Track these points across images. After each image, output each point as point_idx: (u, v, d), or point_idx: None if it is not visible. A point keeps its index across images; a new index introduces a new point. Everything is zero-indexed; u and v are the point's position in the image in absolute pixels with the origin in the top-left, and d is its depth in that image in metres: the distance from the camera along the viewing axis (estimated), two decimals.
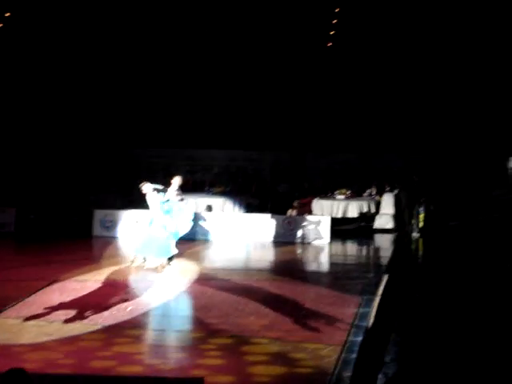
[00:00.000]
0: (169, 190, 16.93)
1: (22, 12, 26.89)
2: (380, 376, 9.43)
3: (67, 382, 7.42)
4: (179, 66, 27.33)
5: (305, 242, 20.69)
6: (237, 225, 21.04)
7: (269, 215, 21.75)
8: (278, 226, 20.99)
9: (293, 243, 20.65)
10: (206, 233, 20.95)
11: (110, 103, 26.92)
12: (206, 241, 20.73)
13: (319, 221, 21.21)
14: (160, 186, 16.85)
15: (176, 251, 16.91)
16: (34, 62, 27.23)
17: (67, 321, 12.03)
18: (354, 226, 22.89)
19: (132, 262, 16.88)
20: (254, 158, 26.42)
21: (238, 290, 14.58)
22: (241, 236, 20.86)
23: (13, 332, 11.42)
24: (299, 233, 20.88)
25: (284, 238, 20.80)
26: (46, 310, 12.67)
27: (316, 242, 20.64)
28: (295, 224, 21.02)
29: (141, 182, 17.06)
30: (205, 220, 21.07)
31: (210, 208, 22.79)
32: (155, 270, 16.48)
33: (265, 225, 21.06)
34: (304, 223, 21.05)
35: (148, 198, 16.79)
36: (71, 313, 12.55)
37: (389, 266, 17.25)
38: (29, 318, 12.15)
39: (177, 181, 17.20)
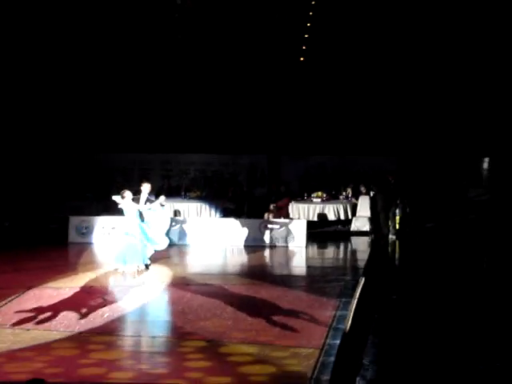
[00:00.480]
0: (140, 196, 16.91)
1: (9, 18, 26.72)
2: (358, 379, 9.43)
3: None
4: (154, 72, 27.24)
5: (281, 246, 20.69)
6: (213, 229, 21.01)
7: (245, 219, 21.75)
8: (254, 229, 20.97)
9: (270, 247, 20.65)
10: (182, 238, 20.91)
11: (85, 108, 26.78)
12: (182, 246, 20.68)
13: (295, 224, 21.22)
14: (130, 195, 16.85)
15: (150, 255, 17.01)
16: (16, 66, 27.05)
17: (43, 328, 11.94)
18: (330, 228, 22.91)
19: (118, 271, 16.78)
20: (229, 162, 26.39)
21: (215, 295, 14.53)
22: (218, 241, 20.83)
23: None
24: (276, 236, 20.87)
25: (261, 242, 20.80)
26: (21, 318, 12.57)
27: (293, 246, 20.64)
28: (272, 228, 21.01)
29: (121, 189, 17.04)
30: (181, 225, 21.02)
31: (177, 213, 22.75)
32: (132, 275, 16.45)
33: (241, 229, 21.04)
34: (280, 227, 21.04)
35: (124, 205, 16.75)
36: (47, 320, 12.46)
37: (366, 268, 17.28)
38: (4, 327, 12.04)
39: (146, 187, 17.12)
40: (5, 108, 26.47)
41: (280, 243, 20.79)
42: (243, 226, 21.13)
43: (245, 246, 20.76)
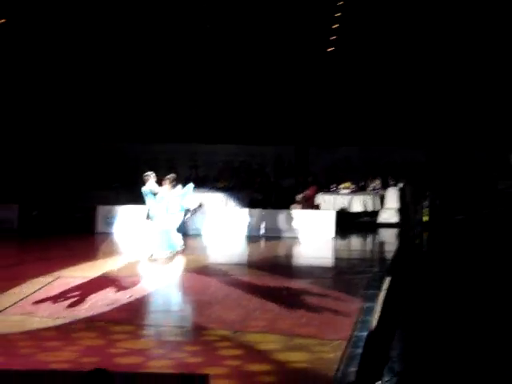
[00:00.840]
0: (163, 187, 17.24)
1: (19, 10, 26.85)
2: (386, 371, 9.35)
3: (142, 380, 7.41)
4: (182, 62, 27.25)
5: (309, 237, 20.61)
6: (240, 220, 20.97)
7: (272, 210, 21.70)
8: (281, 220, 20.92)
9: (297, 238, 20.59)
10: (207, 228, 20.91)
11: (113, 99, 26.84)
12: (208, 236, 20.68)
13: (324, 215, 21.16)
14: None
15: (180, 245, 17.19)
16: (35, 58, 27.17)
17: (70, 317, 11.98)
18: (358, 220, 22.80)
19: (151, 257, 17.04)
20: (257, 153, 26.33)
21: (241, 285, 14.51)
22: (244, 231, 20.80)
23: (18, 329, 11.34)
24: (303, 227, 20.80)
25: (288, 233, 20.74)
26: (49, 307, 12.63)
27: (320, 237, 20.56)
28: (299, 219, 20.94)
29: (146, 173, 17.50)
30: (208, 215, 21.02)
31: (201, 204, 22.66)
32: (164, 261, 16.55)
33: (268, 220, 20.99)
34: (308, 218, 20.97)
35: (160, 192, 17.12)
36: (74, 309, 12.51)
37: (394, 260, 17.17)
38: (32, 315, 12.09)
39: (169, 179, 17.46)
40: (32, 98, 26.61)
41: (307, 234, 20.71)
42: (270, 216, 21.08)
43: (272, 236, 20.71)
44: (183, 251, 17.63)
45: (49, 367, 9.38)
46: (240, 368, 9.67)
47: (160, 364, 9.80)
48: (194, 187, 18.40)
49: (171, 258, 17.10)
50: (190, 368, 9.59)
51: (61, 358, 9.94)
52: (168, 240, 17.23)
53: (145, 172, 17.94)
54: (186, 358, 10.05)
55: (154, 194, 17.22)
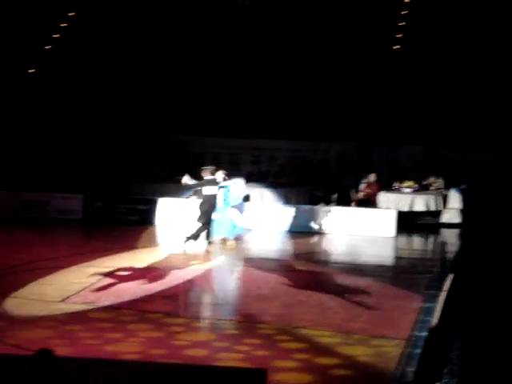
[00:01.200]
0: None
1: None
2: (445, 372, 9.27)
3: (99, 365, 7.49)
4: (247, 56, 27.33)
5: (370, 235, 20.52)
6: (301, 216, 20.95)
7: (334, 207, 21.65)
8: (342, 218, 20.87)
9: (357, 236, 20.51)
10: (265, 223, 20.95)
11: (180, 93, 27.03)
12: (265, 231, 20.70)
13: (385, 214, 21.05)
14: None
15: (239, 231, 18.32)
16: (99, 52, 27.60)
17: (131, 308, 12.11)
18: (420, 220, 22.58)
19: (224, 242, 18.06)
20: (319, 150, 26.23)
21: (301, 282, 14.53)
22: (305, 227, 20.78)
23: (78, 318, 11.52)
24: (364, 225, 20.72)
25: (349, 231, 20.68)
26: (111, 296, 12.81)
27: (381, 235, 20.45)
28: (360, 217, 20.86)
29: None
30: (265, 211, 21.08)
31: (247, 198, 22.70)
32: (217, 253, 17.03)
33: (330, 217, 20.95)
34: (369, 216, 20.88)
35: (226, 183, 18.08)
36: (137, 300, 12.64)
37: (455, 260, 16.96)
38: (93, 304, 12.28)
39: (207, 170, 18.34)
40: (103, 91, 26.95)
41: (368, 232, 20.62)
42: (332, 213, 21.04)
43: (333, 233, 20.67)
44: (238, 243, 17.93)
45: (122, 358, 9.49)
46: (309, 361, 9.72)
47: (228, 356, 9.87)
48: (256, 182, 18.80)
49: (228, 249, 17.36)
50: (259, 361, 9.65)
51: (131, 348, 10.04)
52: (225, 228, 18.13)
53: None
54: (251, 351, 10.12)
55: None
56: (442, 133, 25.06)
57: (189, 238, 17.61)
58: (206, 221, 17.85)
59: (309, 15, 27.65)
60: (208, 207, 17.83)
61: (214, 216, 17.93)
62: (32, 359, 6.44)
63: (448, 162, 24.73)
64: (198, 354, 9.96)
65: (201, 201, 18.08)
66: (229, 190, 18.43)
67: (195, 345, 10.37)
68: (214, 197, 17.94)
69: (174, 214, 21.20)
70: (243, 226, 18.90)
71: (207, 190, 17.97)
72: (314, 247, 19.71)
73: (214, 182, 18.06)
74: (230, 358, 9.77)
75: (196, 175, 19.72)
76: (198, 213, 17.93)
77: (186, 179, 18.42)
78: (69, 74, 27.44)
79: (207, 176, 18.14)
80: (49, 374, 6.35)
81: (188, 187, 18.82)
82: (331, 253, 18.84)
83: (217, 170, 18.58)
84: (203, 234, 17.90)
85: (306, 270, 15.81)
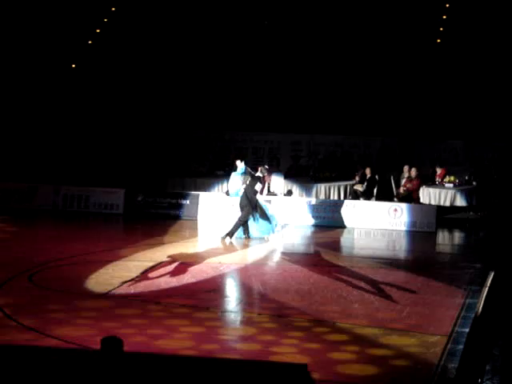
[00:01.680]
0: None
1: None
2: (488, 369, 9.19)
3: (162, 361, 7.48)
4: (288, 52, 27.34)
5: (411, 230, 20.41)
6: (342, 211, 20.90)
7: (375, 202, 21.57)
8: (384, 213, 20.78)
9: (398, 231, 20.41)
10: (308, 218, 20.93)
11: (222, 89, 27.12)
12: (306, 226, 20.68)
13: (426, 209, 20.93)
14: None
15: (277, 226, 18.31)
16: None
17: (172, 303, 12.15)
18: (462, 215, 22.38)
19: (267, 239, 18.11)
20: (360, 144, 26.14)
21: (341, 277, 14.49)
22: (346, 222, 20.73)
23: (119, 313, 11.58)
24: (405, 220, 20.62)
25: (390, 226, 20.59)
26: (152, 291, 12.87)
27: (422, 230, 20.33)
28: (402, 211, 20.76)
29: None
30: (309, 206, 21.04)
31: (290, 193, 22.72)
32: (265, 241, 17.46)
33: (371, 212, 20.88)
34: (410, 211, 20.76)
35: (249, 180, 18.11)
36: (178, 294, 12.68)
37: (497, 256, 16.83)
38: (136, 298, 12.34)
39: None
40: (139, 86, 27.13)
41: (409, 227, 20.52)
42: (373, 208, 20.97)
43: (373, 228, 20.60)
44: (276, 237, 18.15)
45: (177, 353, 9.53)
46: (362, 353, 9.73)
47: (284, 350, 9.87)
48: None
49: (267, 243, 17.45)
50: (313, 353, 9.65)
51: (182, 345, 10.09)
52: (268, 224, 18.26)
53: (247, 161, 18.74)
54: (302, 343, 10.12)
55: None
56: (485, 128, 24.83)
57: (227, 235, 17.74)
58: (245, 216, 18.00)
59: (348, 14, 27.61)
60: (247, 202, 17.95)
61: (253, 211, 18.06)
62: (102, 344, 6.53)
63: (491, 157, 24.50)
64: (251, 348, 9.97)
65: (241, 197, 18.22)
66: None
67: (244, 339, 10.40)
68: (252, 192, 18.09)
69: (215, 209, 21.25)
70: (281, 221, 18.95)
71: (258, 187, 18.22)
72: (353, 242, 19.66)
73: (256, 178, 18.18)
74: (284, 352, 9.76)
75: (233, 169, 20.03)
76: (239, 208, 18.13)
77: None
78: (107, 71, 27.65)
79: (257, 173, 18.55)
80: (117, 362, 6.44)
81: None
82: (371, 247, 18.74)
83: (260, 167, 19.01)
84: (240, 230, 18.06)
85: (346, 265, 15.75)
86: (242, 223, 17.99)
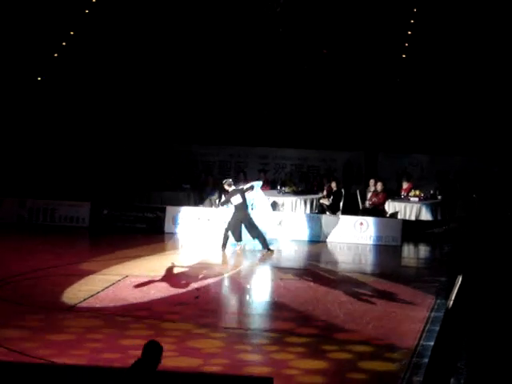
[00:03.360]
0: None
1: None
2: (452, 381, 9.26)
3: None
4: (255, 65, 27.38)
5: (377, 244, 20.51)
6: (308, 225, 20.94)
7: (341, 216, 21.65)
8: (350, 227, 20.86)
9: (365, 244, 20.50)
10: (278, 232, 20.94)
11: (184, 101, 27.11)
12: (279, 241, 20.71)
13: (391, 223, 21.04)
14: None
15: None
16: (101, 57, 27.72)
17: (141, 317, 12.10)
18: (427, 229, 22.51)
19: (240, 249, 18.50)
20: (326, 158, 26.24)
21: (306, 291, 14.53)
22: (311, 236, 20.76)
23: (84, 326, 11.52)
24: (371, 234, 20.71)
25: (356, 239, 20.67)
26: (117, 305, 12.81)
27: (388, 244, 20.43)
28: (367, 225, 20.85)
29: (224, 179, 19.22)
30: (275, 219, 21.07)
31: (274, 205, 22.76)
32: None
33: (337, 225, 20.94)
34: (376, 225, 20.86)
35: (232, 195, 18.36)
36: (145, 309, 12.63)
37: (462, 269, 16.94)
38: (102, 312, 12.28)
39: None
40: (109, 98, 27.04)
41: (375, 241, 20.62)
42: (339, 222, 21.04)
43: (339, 242, 20.65)
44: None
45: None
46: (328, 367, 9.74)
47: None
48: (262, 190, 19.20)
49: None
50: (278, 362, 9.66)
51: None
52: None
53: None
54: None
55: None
56: (450, 141, 25.05)
57: (222, 247, 18.27)
58: (231, 228, 18.30)
59: (315, 24, 27.70)
60: (236, 216, 18.28)
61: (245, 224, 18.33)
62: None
63: (456, 170, 24.70)
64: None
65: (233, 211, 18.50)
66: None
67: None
68: (240, 206, 18.32)
69: (182, 222, 21.21)
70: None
71: (235, 200, 18.38)
72: (321, 256, 19.69)
73: (237, 191, 18.48)
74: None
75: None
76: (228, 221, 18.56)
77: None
78: (76, 82, 27.52)
79: (229, 188, 18.69)
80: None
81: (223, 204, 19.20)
82: (337, 261, 18.81)
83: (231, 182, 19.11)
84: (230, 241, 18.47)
85: (312, 279, 15.79)
86: (228, 235, 18.33)
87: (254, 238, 18.46)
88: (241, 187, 18.90)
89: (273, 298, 13.97)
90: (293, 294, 14.28)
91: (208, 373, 9.23)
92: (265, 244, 18.52)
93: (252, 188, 18.99)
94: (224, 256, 18.04)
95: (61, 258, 17.03)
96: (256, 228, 18.47)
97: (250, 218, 18.50)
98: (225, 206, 18.95)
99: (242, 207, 18.41)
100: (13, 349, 10.11)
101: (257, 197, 19.31)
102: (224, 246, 18.41)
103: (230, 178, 20.04)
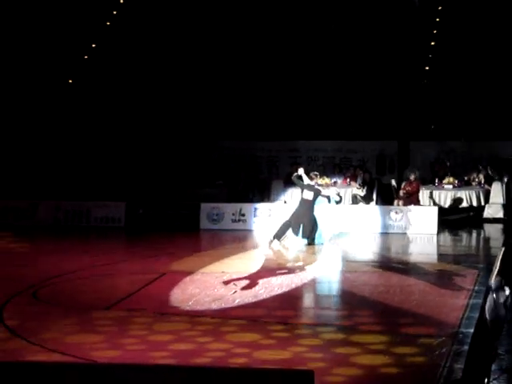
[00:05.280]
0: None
1: None
2: (494, 368, 9.20)
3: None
4: (285, 59, 27.41)
5: (412, 233, 20.43)
6: (343, 216, 20.89)
7: (375, 206, 21.59)
8: (384, 216, 20.80)
9: (400, 234, 20.43)
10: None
11: (217, 97, 27.19)
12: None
13: (426, 211, 20.96)
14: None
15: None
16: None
17: (179, 314, 12.14)
18: (462, 215, 22.42)
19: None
20: (358, 149, 26.19)
21: (344, 282, 14.51)
22: (348, 227, 20.72)
23: (123, 325, 11.57)
24: (406, 223, 20.63)
25: (391, 229, 20.61)
26: (156, 303, 12.86)
27: (424, 233, 20.35)
28: (402, 215, 20.78)
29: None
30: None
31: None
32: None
33: (371, 216, 20.89)
34: (411, 214, 20.78)
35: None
36: (183, 305, 12.65)
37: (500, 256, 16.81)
38: (140, 311, 12.33)
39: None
40: (137, 98, 27.19)
41: (411, 230, 20.54)
42: (373, 212, 20.99)
43: (375, 232, 20.61)
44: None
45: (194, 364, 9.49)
46: (352, 360, 9.72)
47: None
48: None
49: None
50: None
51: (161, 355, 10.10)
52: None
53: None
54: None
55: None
56: (482, 127, 24.89)
57: (274, 238, 18.12)
58: (293, 221, 18.25)
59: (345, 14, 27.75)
60: (300, 210, 18.23)
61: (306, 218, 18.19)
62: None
63: (489, 156, 24.54)
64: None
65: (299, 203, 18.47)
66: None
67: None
68: (308, 203, 18.29)
69: (218, 219, 21.28)
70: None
71: (306, 195, 18.30)
72: (357, 247, 19.64)
73: (313, 188, 18.45)
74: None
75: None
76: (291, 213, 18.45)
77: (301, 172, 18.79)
78: (103, 84, 27.71)
79: (311, 180, 18.98)
80: None
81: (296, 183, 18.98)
82: (373, 251, 18.76)
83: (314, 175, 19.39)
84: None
85: (350, 270, 15.79)
86: (287, 227, 18.31)
87: (304, 237, 18.32)
88: (318, 187, 18.85)
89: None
90: (324, 287, 14.25)
91: (245, 367, 9.24)
92: (312, 239, 18.44)
93: (326, 198, 18.97)
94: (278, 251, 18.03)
95: (98, 258, 17.14)
96: (314, 225, 18.33)
97: (312, 217, 18.29)
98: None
99: (309, 205, 18.28)
100: (51, 348, 10.19)
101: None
102: (278, 237, 18.22)
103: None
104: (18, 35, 27.23)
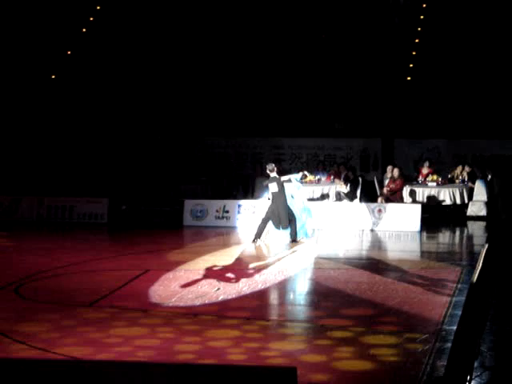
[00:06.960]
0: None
1: None
2: (476, 365, 9.23)
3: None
4: (269, 58, 27.42)
5: (395, 230, 20.48)
6: (327, 213, 20.92)
7: (358, 203, 21.62)
8: (367, 214, 20.83)
9: (383, 231, 20.47)
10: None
11: (200, 94, 27.17)
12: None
13: (410, 208, 21.00)
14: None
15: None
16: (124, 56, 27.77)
17: (161, 310, 12.11)
18: (446, 213, 22.49)
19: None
20: (342, 146, 26.23)
21: (325, 280, 14.51)
22: (331, 225, 20.75)
23: (106, 322, 11.53)
24: (389, 221, 20.68)
25: (374, 226, 20.65)
26: (138, 300, 12.82)
27: (407, 230, 20.40)
28: (385, 212, 20.82)
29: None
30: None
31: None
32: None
33: (355, 213, 20.92)
34: (394, 211, 20.83)
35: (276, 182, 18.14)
36: (166, 302, 12.62)
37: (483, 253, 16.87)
38: (122, 308, 12.29)
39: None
40: (124, 94, 27.13)
41: (394, 227, 20.58)
42: (356, 210, 21.02)
43: (358, 229, 20.64)
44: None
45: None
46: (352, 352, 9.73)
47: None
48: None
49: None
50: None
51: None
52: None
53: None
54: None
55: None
56: (466, 125, 24.98)
57: (255, 237, 18.15)
58: (269, 217, 18.26)
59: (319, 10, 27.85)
60: (272, 206, 18.26)
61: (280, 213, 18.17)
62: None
63: (472, 154, 24.65)
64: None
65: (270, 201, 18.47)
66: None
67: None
68: (276, 194, 18.21)
69: (201, 215, 21.25)
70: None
71: (271, 188, 18.30)
72: (339, 244, 19.65)
73: (274, 179, 18.28)
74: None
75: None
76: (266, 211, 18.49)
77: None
78: (90, 80, 27.64)
79: (270, 173, 18.56)
80: None
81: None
82: (356, 249, 18.79)
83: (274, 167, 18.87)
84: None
85: (332, 267, 15.78)
86: (264, 225, 18.32)
87: (284, 228, 18.34)
88: (278, 177, 18.53)
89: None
90: (315, 282, 14.25)
91: (228, 364, 9.22)
92: (294, 235, 18.44)
93: (290, 181, 18.74)
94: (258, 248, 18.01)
95: (81, 254, 17.06)
96: (290, 217, 18.30)
97: (285, 207, 18.27)
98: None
99: (278, 196, 18.25)
100: (34, 345, 10.14)
101: (295, 189, 18.96)
102: (258, 235, 18.20)
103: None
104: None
